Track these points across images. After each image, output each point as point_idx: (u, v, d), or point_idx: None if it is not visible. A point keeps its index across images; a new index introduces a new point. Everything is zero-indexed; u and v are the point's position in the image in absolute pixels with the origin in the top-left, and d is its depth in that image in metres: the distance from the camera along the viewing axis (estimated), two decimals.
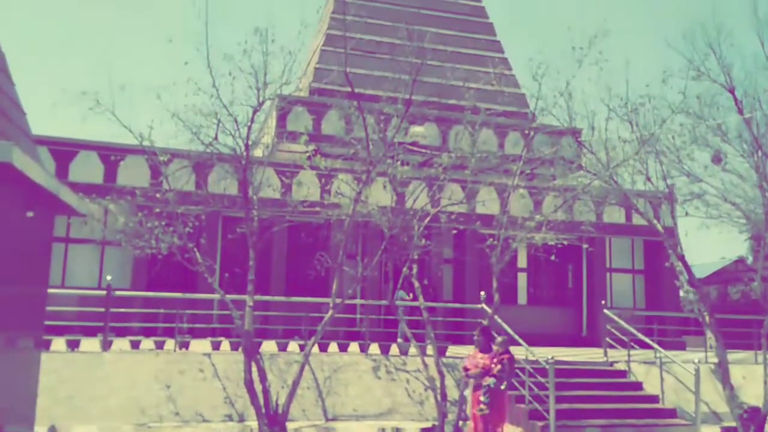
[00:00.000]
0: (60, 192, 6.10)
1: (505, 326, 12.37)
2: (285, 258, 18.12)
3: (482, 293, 13.53)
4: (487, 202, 16.10)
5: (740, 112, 11.10)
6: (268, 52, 10.44)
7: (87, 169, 16.86)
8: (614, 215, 19.49)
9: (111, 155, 16.28)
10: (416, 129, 16.84)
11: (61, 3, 74.98)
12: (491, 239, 11.68)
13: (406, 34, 11.20)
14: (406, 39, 11.20)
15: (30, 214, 6.27)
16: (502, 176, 13.57)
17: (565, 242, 11.92)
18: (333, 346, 13.10)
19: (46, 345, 11.31)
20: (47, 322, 7.72)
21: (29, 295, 6.62)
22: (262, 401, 10.38)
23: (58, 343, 11.91)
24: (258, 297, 11.49)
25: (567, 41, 10.76)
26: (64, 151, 16.83)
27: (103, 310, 12.32)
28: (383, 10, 22.31)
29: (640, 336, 13.64)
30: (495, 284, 11.65)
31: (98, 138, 15.80)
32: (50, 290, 7.37)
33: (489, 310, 12.16)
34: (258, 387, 10.45)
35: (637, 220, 17.34)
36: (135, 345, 12.35)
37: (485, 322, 11.28)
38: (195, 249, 10.95)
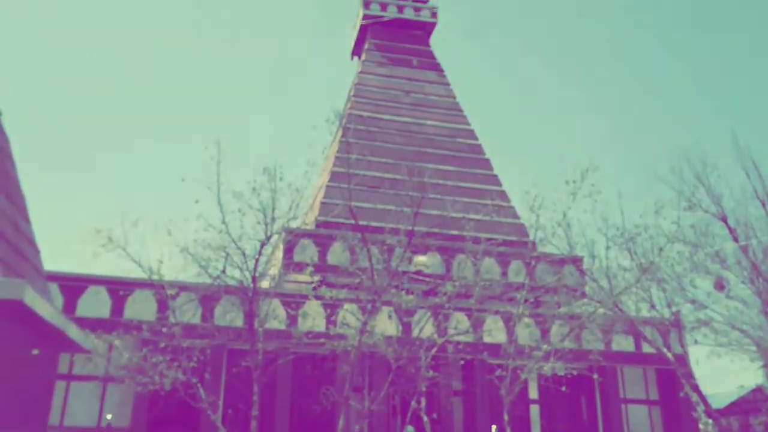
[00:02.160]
0: (67, 329, 6.18)
1: None
2: (289, 392, 17.65)
3: (494, 427, 13.06)
4: (494, 331, 15.96)
5: (735, 239, 11.30)
6: (276, 190, 10.97)
7: (95, 303, 16.94)
8: (623, 343, 19.14)
9: (119, 290, 16.45)
10: (420, 258, 17.12)
11: (79, 146, 79.11)
12: (500, 370, 11.50)
13: (407, 171, 11.77)
14: (407, 175, 11.75)
15: (35, 351, 6.31)
16: (506, 304, 13.61)
17: (575, 372, 11.70)
18: None
19: None
20: None
21: None
22: None
23: None
24: None
25: (560, 174, 11.33)
26: (73, 286, 17.03)
27: None
28: (385, 149, 23.48)
29: None
30: (506, 417, 11.30)
31: (108, 272, 16.10)
32: None
33: None
34: None
35: (647, 347, 17.03)
36: None
37: None
38: (198, 384, 10.79)
